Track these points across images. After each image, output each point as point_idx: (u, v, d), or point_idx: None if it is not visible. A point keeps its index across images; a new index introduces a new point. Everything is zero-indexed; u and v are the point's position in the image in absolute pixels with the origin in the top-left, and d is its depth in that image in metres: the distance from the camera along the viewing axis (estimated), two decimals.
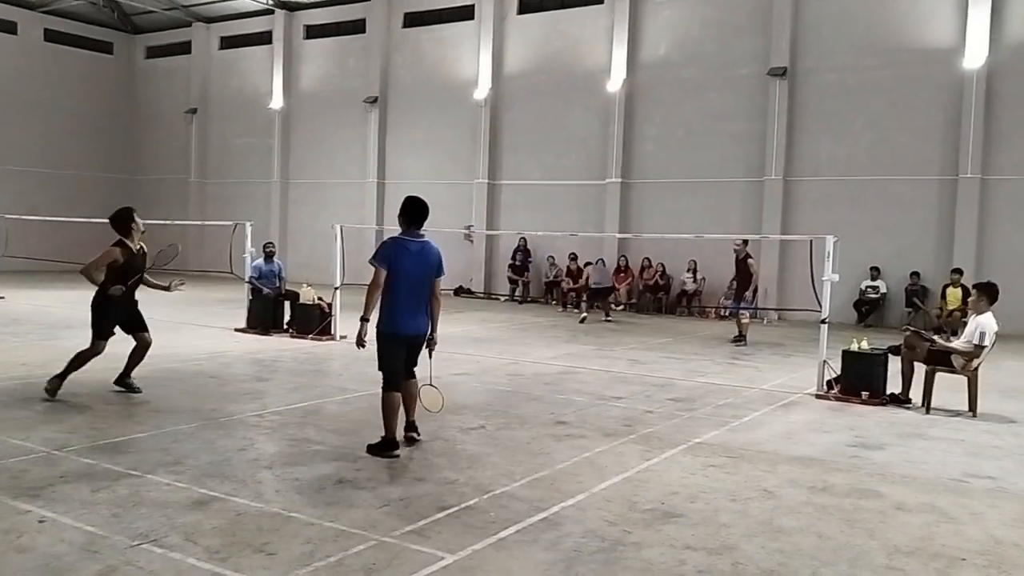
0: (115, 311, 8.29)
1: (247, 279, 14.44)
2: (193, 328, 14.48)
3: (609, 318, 17.88)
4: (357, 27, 26.62)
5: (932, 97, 18.27)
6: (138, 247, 8.43)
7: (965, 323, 9.84)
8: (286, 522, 4.96)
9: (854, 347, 9.58)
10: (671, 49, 21.36)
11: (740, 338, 14.47)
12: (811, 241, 11.09)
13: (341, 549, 4.56)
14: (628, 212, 21.68)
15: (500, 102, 23.85)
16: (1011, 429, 8.32)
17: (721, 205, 20.41)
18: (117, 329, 8.44)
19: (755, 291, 14.97)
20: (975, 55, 17.53)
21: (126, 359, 8.56)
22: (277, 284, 14.58)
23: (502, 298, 22.47)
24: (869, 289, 18.48)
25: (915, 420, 8.57)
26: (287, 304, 14.42)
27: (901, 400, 9.18)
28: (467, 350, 12.67)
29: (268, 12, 28.09)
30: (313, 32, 27.78)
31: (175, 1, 28.78)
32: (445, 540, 4.75)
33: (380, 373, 6.59)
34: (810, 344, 12.55)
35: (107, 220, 8.49)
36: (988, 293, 9.00)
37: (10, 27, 28.42)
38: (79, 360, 8.28)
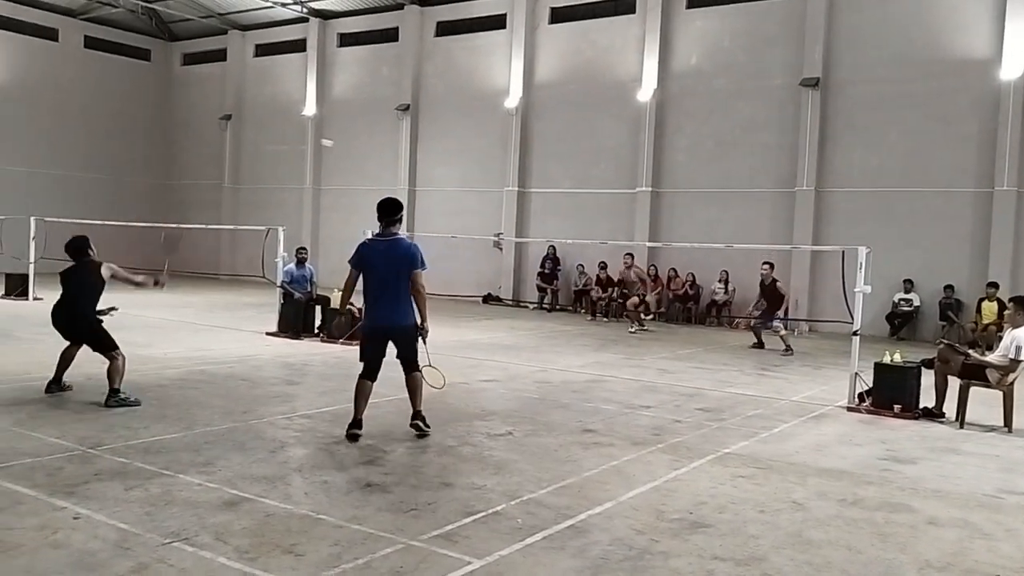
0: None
1: (279, 283, 14.59)
2: (225, 331, 14.66)
3: (643, 327, 17.89)
4: (390, 35, 26.84)
5: (968, 108, 18.03)
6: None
7: (1000, 337, 9.69)
8: (314, 524, 5.00)
9: (886, 360, 9.48)
10: (702, 59, 21.30)
11: (787, 349, 14.72)
12: (843, 252, 10.98)
13: (369, 552, 4.59)
14: (658, 221, 21.62)
15: (531, 111, 23.91)
16: None
17: (752, 215, 20.27)
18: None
19: (786, 310, 15.25)
20: (1013, 66, 17.26)
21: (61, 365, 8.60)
22: (308, 289, 14.70)
23: (531, 306, 22.46)
24: (902, 302, 18.24)
25: (948, 434, 8.44)
26: (318, 309, 14.54)
27: (934, 414, 9.06)
28: (495, 357, 12.69)
29: (302, 20, 28.41)
30: (346, 40, 28.03)
31: (211, 9, 29.24)
32: (472, 545, 4.76)
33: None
34: (841, 356, 12.44)
35: (77, 243, 8.96)
36: None
37: (51, 34, 29.01)
38: (113, 371, 8.26)
